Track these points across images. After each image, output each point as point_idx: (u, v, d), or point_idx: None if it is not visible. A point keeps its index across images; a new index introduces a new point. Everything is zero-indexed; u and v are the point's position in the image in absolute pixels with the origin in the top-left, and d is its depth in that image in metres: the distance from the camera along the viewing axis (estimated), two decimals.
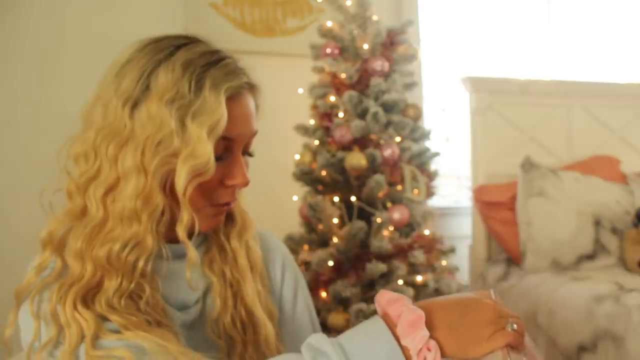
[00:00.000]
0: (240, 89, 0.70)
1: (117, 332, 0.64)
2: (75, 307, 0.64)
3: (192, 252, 0.68)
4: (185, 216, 0.67)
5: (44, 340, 0.64)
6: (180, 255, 0.74)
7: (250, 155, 0.76)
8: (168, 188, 0.68)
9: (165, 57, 0.67)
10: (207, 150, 0.65)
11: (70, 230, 0.68)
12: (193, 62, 0.67)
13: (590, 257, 2.14)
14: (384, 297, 0.60)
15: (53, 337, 0.64)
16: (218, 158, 0.68)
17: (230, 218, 0.80)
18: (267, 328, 0.78)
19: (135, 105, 0.66)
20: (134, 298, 0.67)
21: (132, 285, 0.66)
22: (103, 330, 0.64)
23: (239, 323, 0.77)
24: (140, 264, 0.67)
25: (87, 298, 0.65)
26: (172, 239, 0.70)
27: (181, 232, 0.67)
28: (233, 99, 0.69)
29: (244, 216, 0.81)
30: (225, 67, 0.69)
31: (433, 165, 2.05)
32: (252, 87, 0.74)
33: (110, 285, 0.65)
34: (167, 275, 0.71)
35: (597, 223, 2.19)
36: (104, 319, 0.65)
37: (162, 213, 0.68)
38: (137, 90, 0.66)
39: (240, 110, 0.70)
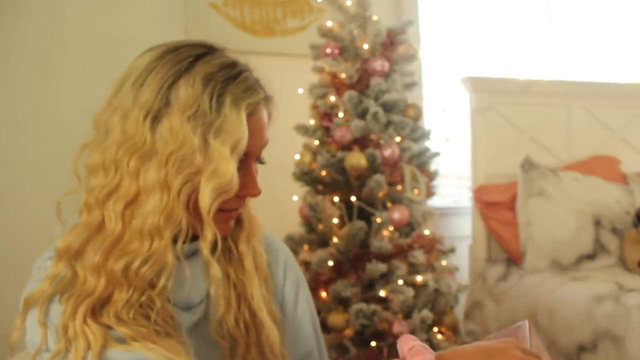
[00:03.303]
0: (258, 105, 0.71)
1: (124, 341, 0.64)
2: (85, 320, 0.64)
3: (216, 270, 0.69)
4: (209, 234, 0.67)
5: (53, 352, 0.64)
6: (187, 255, 0.74)
7: (262, 162, 0.77)
8: (192, 205, 0.68)
9: (185, 69, 0.67)
10: (230, 169, 0.65)
11: (86, 242, 0.67)
12: (213, 77, 0.67)
13: (590, 257, 2.14)
14: (406, 344, 0.59)
15: (62, 349, 0.64)
16: None
17: (238, 222, 0.80)
18: (272, 332, 0.78)
19: (155, 119, 0.66)
20: (144, 307, 0.67)
21: (143, 298, 0.67)
22: (110, 341, 0.64)
23: (242, 324, 0.77)
24: (162, 281, 0.67)
25: (95, 309, 0.65)
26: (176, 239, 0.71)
27: (205, 249, 0.68)
28: (251, 114, 0.70)
29: (252, 221, 0.81)
30: (244, 82, 0.69)
31: (433, 165, 2.04)
32: (267, 99, 0.74)
33: (120, 297, 0.65)
34: (179, 278, 0.71)
35: (597, 223, 2.19)
36: (111, 328, 0.65)
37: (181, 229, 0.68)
38: (157, 104, 0.66)
39: (257, 125, 0.71)
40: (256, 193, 0.73)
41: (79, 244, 0.67)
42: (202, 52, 0.70)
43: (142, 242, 0.65)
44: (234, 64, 0.71)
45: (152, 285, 0.68)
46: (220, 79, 0.67)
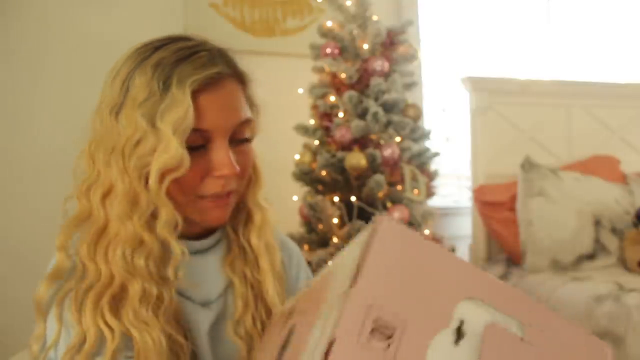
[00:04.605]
0: (209, 80, 0.69)
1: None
2: (97, 310, 0.65)
3: (176, 247, 0.69)
4: (163, 212, 0.67)
5: (69, 345, 0.65)
6: (201, 251, 0.76)
7: (247, 140, 0.75)
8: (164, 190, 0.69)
9: (142, 60, 0.69)
10: (173, 145, 0.65)
11: (76, 232, 0.70)
12: (163, 61, 0.68)
13: (590, 257, 2.14)
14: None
15: (76, 342, 0.65)
16: (196, 150, 0.68)
17: (248, 218, 0.80)
18: None
19: (117, 112, 0.69)
20: (153, 303, 0.68)
21: (156, 290, 0.67)
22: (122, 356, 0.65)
23: (259, 323, 0.78)
24: (150, 264, 0.68)
25: (116, 306, 0.67)
26: (191, 235, 0.72)
27: (159, 228, 0.68)
28: (203, 91, 0.68)
29: (264, 214, 0.81)
30: (196, 60, 0.69)
31: (433, 165, 2.05)
32: (231, 76, 0.72)
33: (135, 291, 0.67)
34: (188, 272, 0.72)
35: (597, 223, 2.19)
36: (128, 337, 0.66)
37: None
38: (120, 97, 0.69)
39: (213, 102, 0.69)
40: (230, 172, 0.70)
41: (72, 234, 0.70)
42: (166, 42, 0.71)
43: (121, 229, 0.67)
44: (192, 46, 0.70)
45: (162, 278, 0.69)
46: (169, 62, 0.68)
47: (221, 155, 0.70)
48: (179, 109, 0.66)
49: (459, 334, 0.50)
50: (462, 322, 0.50)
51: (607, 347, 0.57)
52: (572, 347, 0.56)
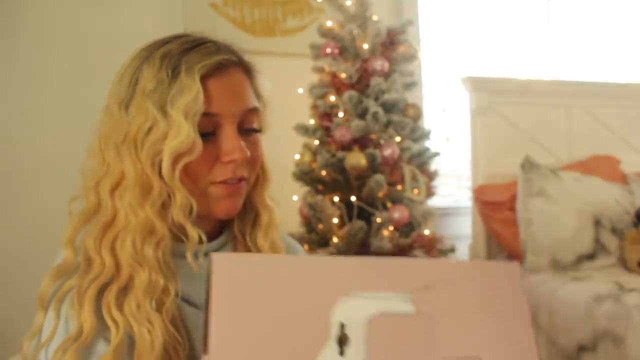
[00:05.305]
0: (218, 66, 0.70)
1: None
2: (97, 302, 0.65)
3: (192, 231, 0.69)
4: (178, 198, 0.68)
5: (65, 337, 0.64)
6: (207, 253, 0.74)
7: (256, 130, 0.75)
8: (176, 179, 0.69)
9: (148, 55, 0.70)
10: (184, 129, 0.66)
11: (85, 226, 0.70)
12: (170, 52, 0.69)
13: (590, 256, 2.14)
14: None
15: (73, 335, 0.64)
16: (205, 137, 0.69)
17: (257, 218, 0.80)
18: None
19: (128, 105, 0.69)
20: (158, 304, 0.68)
21: (163, 282, 0.67)
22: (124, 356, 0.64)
23: None
24: (159, 253, 0.68)
25: (121, 298, 0.66)
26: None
27: (175, 213, 0.68)
28: (212, 76, 0.70)
29: (271, 214, 0.80)
30: (203, 49, 0.70)
31: (433, 165, 2.05)
32: (238, 65, 0.73)
33: (140, 281, 0.66)
34: (190, 273, 0.71)
35: (597, 223, 2.19)
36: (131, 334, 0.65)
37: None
38: (129, 91, 0.70)
39: (221, 87, 0.70)
40: (241, 158, 0.70)
41: (80, 230, 0.69)
42: (172, 38, 0.72)
43: (131, 217, 0.67)
44: (197, 39, 0.72)
45: (167, 267, 0.69)
46: (176, 52, 0.69)
47: (230, 140, 0.70)
48: (189, 94, 0.67)
49: (342, 340, 0.47)
50: (342, 326, 0.48)
51: (514, 265, 0.55)
52: (478, 285, 0.54)
